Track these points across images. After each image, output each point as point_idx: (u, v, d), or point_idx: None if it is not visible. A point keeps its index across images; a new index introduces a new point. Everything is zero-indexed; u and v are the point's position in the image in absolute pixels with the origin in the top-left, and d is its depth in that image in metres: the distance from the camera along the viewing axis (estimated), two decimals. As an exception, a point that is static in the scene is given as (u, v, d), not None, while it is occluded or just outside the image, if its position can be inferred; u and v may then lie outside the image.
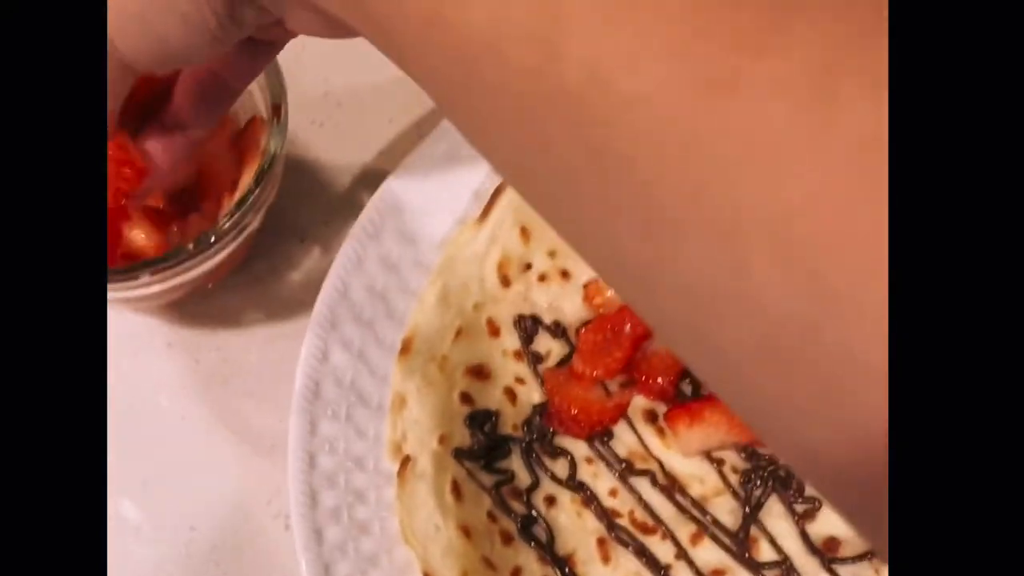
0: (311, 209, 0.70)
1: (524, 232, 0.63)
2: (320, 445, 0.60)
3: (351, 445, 0.60)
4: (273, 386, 0.66)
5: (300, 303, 0.67)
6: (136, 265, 0.54)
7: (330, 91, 0.72)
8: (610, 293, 0.62)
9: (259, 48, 0.46)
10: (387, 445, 0.61)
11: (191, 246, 0.55)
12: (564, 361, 0.63)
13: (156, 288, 0.56)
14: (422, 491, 0.59)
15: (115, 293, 0.56)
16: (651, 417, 0.63)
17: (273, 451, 0.64)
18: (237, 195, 0.56)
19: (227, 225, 0.54)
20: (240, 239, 0.57)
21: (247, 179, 0.58)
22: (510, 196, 0.62)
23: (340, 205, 0.69)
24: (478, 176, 0.63)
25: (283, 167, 0.68)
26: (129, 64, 0.39)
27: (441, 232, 0.63)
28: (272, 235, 0.69)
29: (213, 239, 0.55)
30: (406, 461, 0.60)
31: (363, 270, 0.62)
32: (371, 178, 0.69)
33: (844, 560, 0.60)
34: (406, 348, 0.61)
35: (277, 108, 0.57)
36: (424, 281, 0.62)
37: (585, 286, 0.64)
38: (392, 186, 0.62)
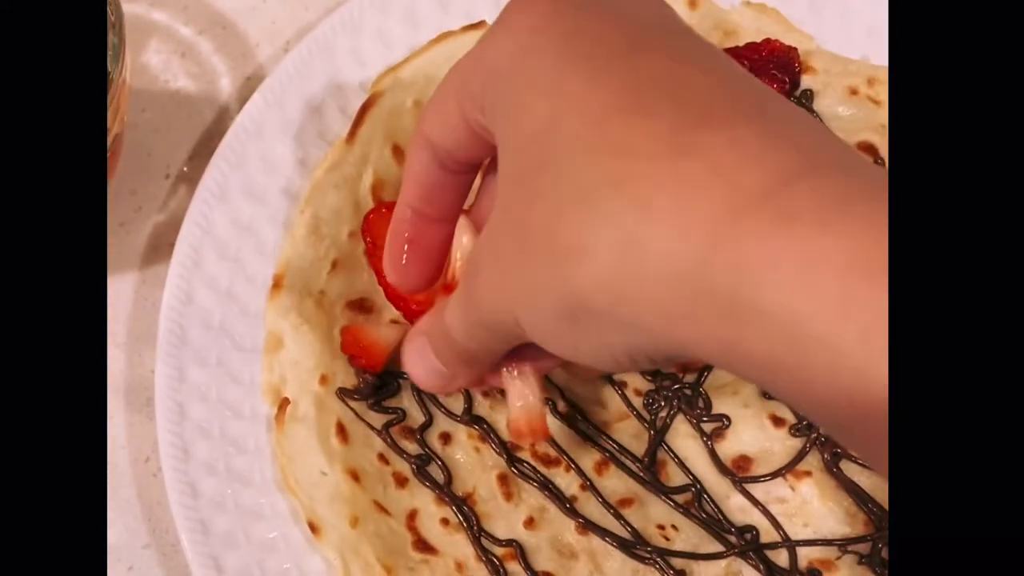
0: (177, 144, 0.65)
1: (397, 151, 0.58)
2: (190, 393, 0.56)
3: (225, 391, 0.56)
4: (145, 335, 0.62)
5: (170, 245, 0.62)
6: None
7: (191, 19, 0.67)
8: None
9: None
10: (263, 388, 0.56)
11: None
12: (454, 288, 0.59)
13: None
14: (304, 435, 0.55)
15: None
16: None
17: (149, 404, 0.60)
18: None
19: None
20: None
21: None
22: (379, 111, 0.57)
23: (207, 138, 0.65)
24: (346, 93, 0.58)
25: (145, 101, 0.63)
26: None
27: (309, 156, 0.58)
28: (136, 174, 0.64)
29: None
30: (283, 404, 0.55)
31: (227, 202, 0.57)
32: (239, 107, 0.64)
33: (756, 479, 0.57)
34: (277, 284, 0.57)
35: (112, 26, 0.52)
36: (293, 210, 0.58)
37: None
38: (252, 110, 0.58)
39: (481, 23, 0.61)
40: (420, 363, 0.46)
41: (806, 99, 0.62)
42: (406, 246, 0.47)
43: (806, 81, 0.62)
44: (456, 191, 0.46)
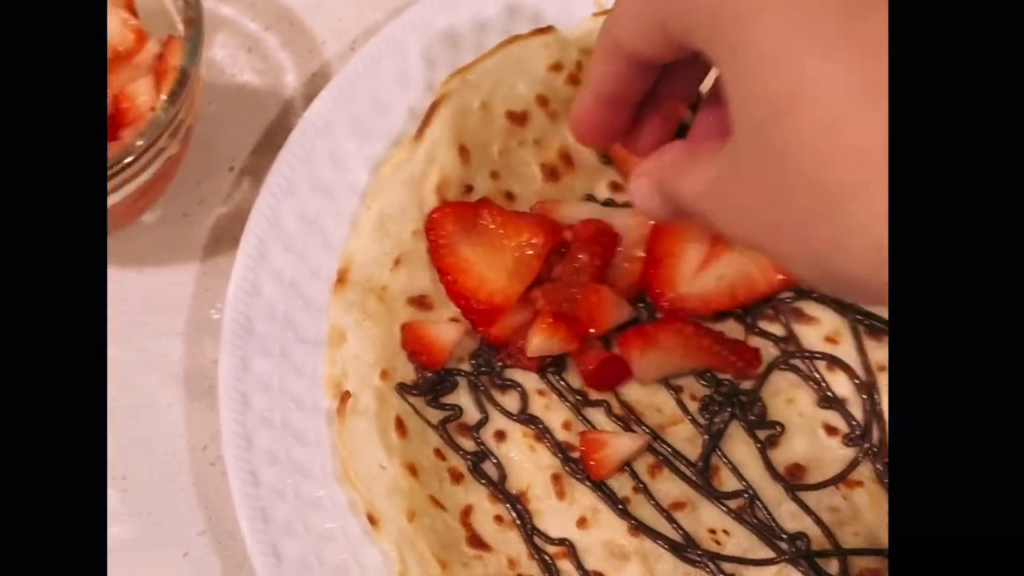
0: (241, 137, 0.66)
1: (463, 151, 0.59)
2: (254, 384, 0.56)
3: (287, 383, 0.57)
4: (207, 325, 0.62)
5: (232, 237, 0.63)
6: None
7: (259, 15, 0.68)
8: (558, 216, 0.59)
9: None
10: (325, 381, 0.57)
11: (102, 171, 0.51)
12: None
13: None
14: (364, 429, 0.56)
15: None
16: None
17: (208, 393, 0.61)
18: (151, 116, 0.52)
19: (138, 145, 0.50)
20: (156, 164, 0.53)
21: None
22: (446, 112, 0.58)
23: (272, 132, 0.65)
24: (413, 92, 0.59)
25: (211, 94, 0.64)
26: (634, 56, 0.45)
27: (376, 153, 0.59)
28: (201, 166, 0.65)
29: (128, 160, 0.51)
30: (345, 397, 0.56)
31: (294, 196, 0.58)
32: (303, 103, 0.65)
33: (809, 487, 0.57)
34: (342, 279, 0.58)
35: (191, 22, 0.53)
36: (359, 206, 0.58)
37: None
38: (321, 107, 0.59)
39: (549, 28, 0.62)
40: (648, 199, 0.50)
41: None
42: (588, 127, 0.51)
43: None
44: (646, 83, 0.49)
